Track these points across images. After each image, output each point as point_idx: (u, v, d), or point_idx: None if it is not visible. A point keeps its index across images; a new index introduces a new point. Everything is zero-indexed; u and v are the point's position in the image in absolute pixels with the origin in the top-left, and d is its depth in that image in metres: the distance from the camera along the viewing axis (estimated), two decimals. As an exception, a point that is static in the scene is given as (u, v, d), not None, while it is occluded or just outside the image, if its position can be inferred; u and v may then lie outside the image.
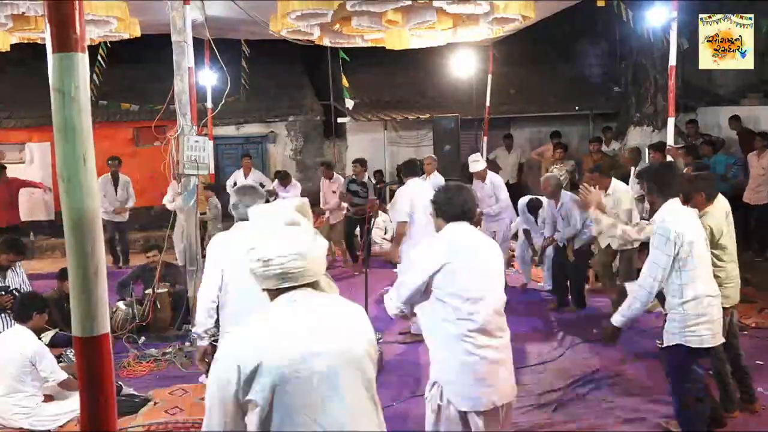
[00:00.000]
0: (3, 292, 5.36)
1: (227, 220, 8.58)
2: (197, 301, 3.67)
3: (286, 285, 1.84)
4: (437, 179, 7.81)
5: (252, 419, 1.76)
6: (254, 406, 1.73)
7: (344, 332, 1.86)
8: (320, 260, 1.90)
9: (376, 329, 5.85)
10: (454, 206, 2.96)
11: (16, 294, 5.30)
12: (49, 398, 4.53)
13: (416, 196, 5.95)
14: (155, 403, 4.73)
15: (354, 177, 8.92)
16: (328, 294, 1.92)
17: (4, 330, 4.99)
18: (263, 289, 1.92)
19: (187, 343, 5.87)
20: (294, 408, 1.73)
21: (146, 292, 6.45)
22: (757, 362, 5.21)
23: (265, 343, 1.75)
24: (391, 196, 8.79)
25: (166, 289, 6.44)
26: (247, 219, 3.55)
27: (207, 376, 3.58)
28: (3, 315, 5.28)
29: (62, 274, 6.08)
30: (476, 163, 7.64)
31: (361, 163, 8.82)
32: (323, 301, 1.89)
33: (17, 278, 5.63)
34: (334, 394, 1.78)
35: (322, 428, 1.75)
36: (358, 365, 1.85)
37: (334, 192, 9.07)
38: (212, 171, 8.42)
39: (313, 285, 1.88)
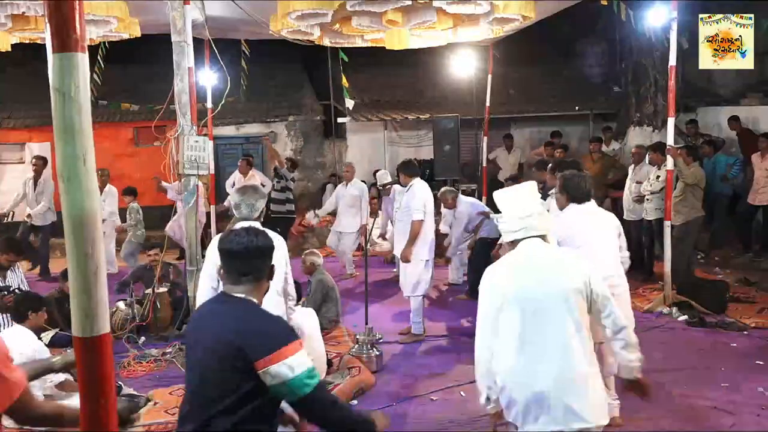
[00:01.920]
0: (4, 292, 5.36)
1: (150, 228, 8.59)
2: (196, 299, 3.69)
3: (523, 236, 2.72)
4: (359, 185, 8.70)
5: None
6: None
7: (560, 271, 2.68)
8: (546, 221, 2.78)
9: (376, 329, 5.85)
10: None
11: (15, 293, 5.30)
12: (49, 398, 4.53)
13: (427, 196, 6.06)
14: (155, 403, 4.73)
15: (281, 172, 9.24)
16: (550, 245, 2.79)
17: (3, 330, 4.99)
18: (509, 242, 2.77)
19: (187, 343, 5.88)
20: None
21: (146, 292, 6.46)
22: (757, 362, 5.22)
23: (511, 274, 2.67)
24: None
25: (166, 289, 6.44)
26: (248, 219, 3.59)
27: None
28: (3, 315, 5.28)
29: (64, 274, 6.09)
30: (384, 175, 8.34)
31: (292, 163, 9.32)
32: (548, 249, 2.76)
33: (16, 278, 5.64)
34: (548, 320, 2.60)
35: (532, 343, 2.58)
36: (567, 298, 2.61)
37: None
38: (212, 171, 8.40)
39: (543, 237, 2.75)
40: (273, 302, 3.63)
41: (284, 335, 2.14)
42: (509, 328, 2.64)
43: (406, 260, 5.92)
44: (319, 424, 2.22)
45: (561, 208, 3.97)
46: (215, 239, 3.75)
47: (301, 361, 2.08)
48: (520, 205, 2.76)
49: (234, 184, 9.88)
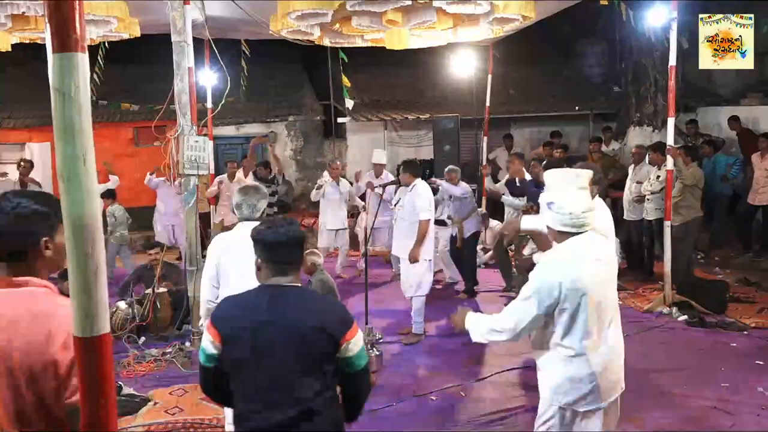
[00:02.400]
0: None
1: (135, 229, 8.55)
2: (200, 299, 3.71)
3: (578, 230, 2.73)
4: (345, 184, 8.73)
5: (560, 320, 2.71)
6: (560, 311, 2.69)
7: (610, 263, 2.86)
8: (594, 215, 2.80)
9: (376, 329, 5.86)
10: None
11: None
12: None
13: (431, 195, 6.13)
14: (155, 403, 4.73)
15: (260, 174, 9.11)
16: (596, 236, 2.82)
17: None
18: (559, 231, 2.77)
19: (187, 343, 5.87)
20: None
21: (146, 292, 6.46)
22: (757, 362, 5.22)
23: (569, 267, 2.69)
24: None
25: (166, 289, 6.44)
26: (251, 219, 3.59)
27: None
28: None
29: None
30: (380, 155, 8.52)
31: (265, 166, 9.15)
32: (597, 241, 2.81)
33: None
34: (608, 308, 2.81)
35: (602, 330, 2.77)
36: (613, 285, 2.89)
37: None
38: (212, 171, 8.40)
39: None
40: None
41: (349, 314, 2.34)
42: (588, 320, 2.72)
43: (415, 260, 5.92)
44: (355, 394, 2.35)
45: None
46: (216, 239, 3.76)
47: (360, 336, 2.30)
48: (583, 199, 2.77)
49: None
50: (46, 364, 1.69)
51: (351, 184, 9.08)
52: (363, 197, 8.90)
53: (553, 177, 2.90)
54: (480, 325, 2.95)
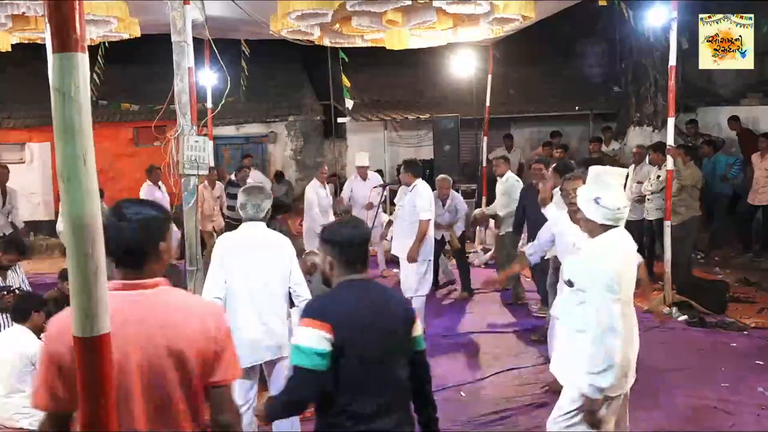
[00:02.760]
0: (4, 292, 5.36)
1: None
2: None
3: (616, 224, 2.94)
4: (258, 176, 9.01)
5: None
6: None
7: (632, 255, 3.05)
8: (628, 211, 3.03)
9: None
10: None
11: (16, 293, 5.29)
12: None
13: (432, 195, 6.19)
14: (155, 403, 4.73)
15: (235, 180, 8.93)
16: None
17: (4, 330, 4.99)
18: (600, 225, 2.94)
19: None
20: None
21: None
22: (757, 362, 5.22)
23: (612, 257, 2.91)
24: (392, 196, 8.82)
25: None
26: (256, 219, 3.60)
27: None
28: (3, 315, 5.28)
29: (63, 275, 6.08)
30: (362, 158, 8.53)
31: (246, 166, 9.15)
32: (625, 235, 3.03)
33: (17, 278, 5.63)
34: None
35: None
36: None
37: (218, 197, 9.11)
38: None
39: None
40: (279, 304, 3.63)
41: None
42: (622, 308, 2.91)
43: (413, 260, 5.93)
44: (425, 372, 2.47)
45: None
46: (220, 239, 3.73)
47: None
48: (624, 196, 3.03)
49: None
50: (209, 351, 1.85)
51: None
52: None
53: (598, 173, 3.02)
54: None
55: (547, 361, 5.39)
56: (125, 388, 1.75)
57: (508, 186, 7.34)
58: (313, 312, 2.28)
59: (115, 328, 1.63)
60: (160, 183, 8.91)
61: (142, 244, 1.87)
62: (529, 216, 6.21)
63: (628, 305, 2.98)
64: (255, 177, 9.84)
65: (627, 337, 2.91)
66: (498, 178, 7.63)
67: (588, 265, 2.96)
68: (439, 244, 7.33)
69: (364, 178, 8.59)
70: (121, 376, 1.73)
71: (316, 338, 2.19)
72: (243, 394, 3.58)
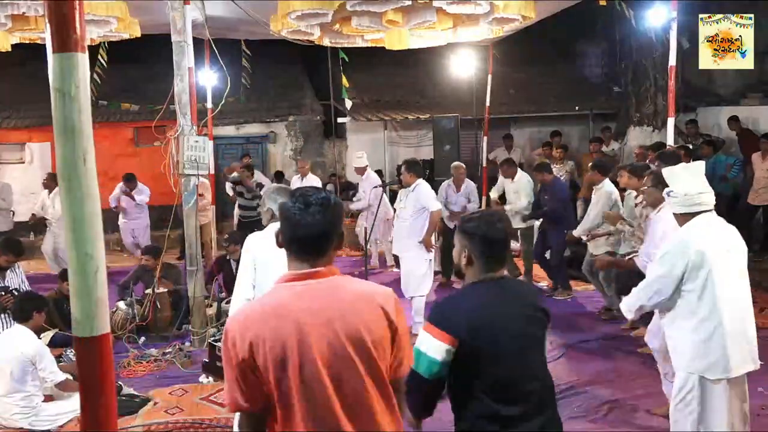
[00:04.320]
0: (3, 293, 5.36)
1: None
2: (232, 299, 3.61)
3: (699, 210, 3.14)
4: (314, 180, 9.26)
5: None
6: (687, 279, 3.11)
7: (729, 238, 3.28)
8: (711, 197, 3.19)
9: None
10: None
11: (16, 294, 5.30)
12: (49, 398, 4.53)
13: (432, 191, 6.32)
14: (155, 403, 4.73)
15: (238, 179, 9.05)
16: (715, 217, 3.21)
17: (3, 330, 4.99)
18: (681, 215, 3.19)
19: (187, 343, 5.88)
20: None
21: (146, 292, 6.46)
22: (757, 362, 5.21)
23: (693, 242, 3.09)
24: (392, 196, 8.83)
25: (166, 289, 6.44)
26: (274, 220, 3.57)
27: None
28: (3, 315, 5.28)
29: (62, 275, 6.08)
30: (360, 159, 8.69)
31: (248, 168, 9.25)
32: (716, 220, 3.22)
33: (16, 278, 5.64)
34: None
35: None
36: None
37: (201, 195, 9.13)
38: (212, 171, 8.41)
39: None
40: None
41: None
42: (715, 290, 3.13)
43: (429, 246, 6.09)
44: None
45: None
46: (249, 239, 3.65)
47: None
48: (696, 183, 3.17)
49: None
50: (388, 337, 1.85)
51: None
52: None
53: (671, 170, 3.32)
54: (627, 302, 3.37)
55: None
56: (318, 386, 1.75)
57: (521, 185, 7.70)
58: (437, 318, 2.20)
59: (294, 321, 1.74)
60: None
61: (328, 230, 1.85)
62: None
63: (723, 288, 3.11)
64: (255, 177, 9.82)
65: (727, 320, 3.07)
66: (508, 180, 7.89)
67: (664, 250, 3.23)
68: (452, 232, 7.39)
69: (361, 175, 8.84)
70: (310, 373, 1.74)
71: (434, 347, 2.14)
72: None
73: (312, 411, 1.74)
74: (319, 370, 1.74)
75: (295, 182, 9.38)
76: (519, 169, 7.99)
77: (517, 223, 7.55)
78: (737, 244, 3.29)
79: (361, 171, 8.79)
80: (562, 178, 8.96)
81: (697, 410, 3.12)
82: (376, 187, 8.20)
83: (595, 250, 6.39)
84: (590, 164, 7.04)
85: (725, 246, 3.19)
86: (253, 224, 9.05)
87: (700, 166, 3.31)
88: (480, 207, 8.63)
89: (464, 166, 8.13)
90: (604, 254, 6.02)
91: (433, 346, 2.14)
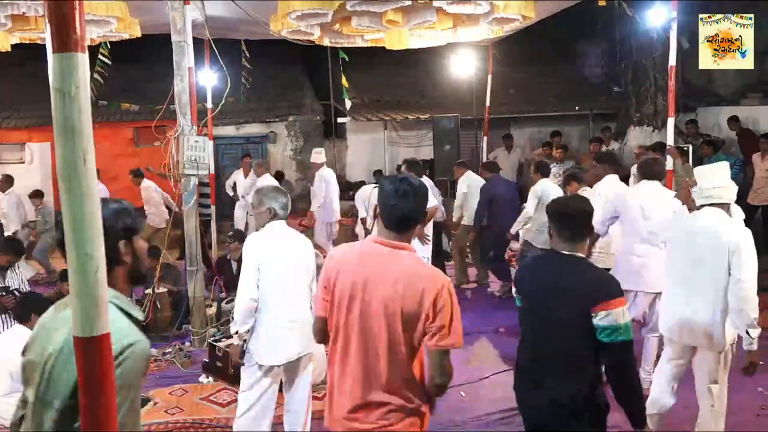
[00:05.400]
0: (3, 293, 5.36)
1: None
2: (237, 300, 3.60)
3: (713, 202, 3.47)
4: (269, 179, 8.99)
5: None
6: None
7: (712, 234, 3.43)
8: (729, 191, 3.51)
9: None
10: None
11: (17, 294, 5.30)
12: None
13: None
14: (155, 403, 4.73)
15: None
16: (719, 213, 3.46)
17: (4, 330, 4.99)
18: (700, 206, 3.51)
19: (187, 343, 5.88)
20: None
21: (146, 292, 6.46)
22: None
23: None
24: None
25: (166, 289, 6.44)
26: (283, 218, 3.59)
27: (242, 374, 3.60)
28: (3, 315, 5.28)
29: (62, 275, 6.08)
30: (318, 155, 8.82)
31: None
32: (715, 216, 3.46)
33: (17, 279, 5.64)
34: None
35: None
36: (714, 253, 3.40)
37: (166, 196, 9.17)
38: (212, 171, 8.40)
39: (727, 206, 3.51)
40: (306, 300, 3.63)
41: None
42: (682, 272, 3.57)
43: (421, 237, 6.23)
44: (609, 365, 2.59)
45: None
46: (249, 240, 3.66)
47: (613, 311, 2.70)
48: (714, 177, 3.50)
49: (234, 185, 9.87)
50: (419, 314, 2.23)
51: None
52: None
53: (701, 169, 3.67)
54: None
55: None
56: (371, 324, 2.29)
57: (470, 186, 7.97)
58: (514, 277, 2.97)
59: (364, 272, 2.31)
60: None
61: (412, 214, 2.34)
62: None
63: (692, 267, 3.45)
64: (254, 177, 9.82)
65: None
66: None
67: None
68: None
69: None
70: (361, 313, 2.30)
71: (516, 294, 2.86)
72: (256, 390, 3.58)
73: (347, 340, 2.34)
74: (358, 316, 2.31)
75: (243, 182, 9.35)
76: (468, 171, 8.16)
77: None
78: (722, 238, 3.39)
79: (317, 167, 8.85)
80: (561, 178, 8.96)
81: None
82: (376, 187, 8.23)
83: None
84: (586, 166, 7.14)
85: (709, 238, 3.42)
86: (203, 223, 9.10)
87: (722, 164, 3.64)
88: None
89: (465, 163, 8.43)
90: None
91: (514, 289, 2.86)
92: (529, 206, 6.69)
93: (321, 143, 13.41)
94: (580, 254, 2.67)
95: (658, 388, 3.79)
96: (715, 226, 3.40)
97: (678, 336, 3.57)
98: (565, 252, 2.65)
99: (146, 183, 9.08)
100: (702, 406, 3.61)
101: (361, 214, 7.49)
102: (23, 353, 1.82)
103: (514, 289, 2.86)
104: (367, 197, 8.11)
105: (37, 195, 9.00)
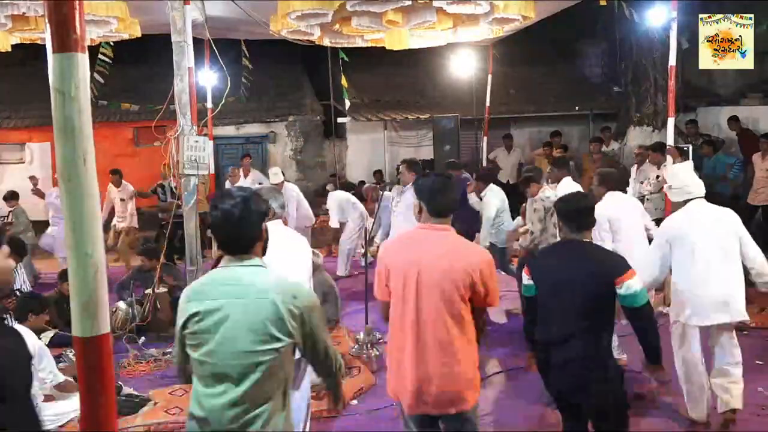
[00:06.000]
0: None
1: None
2: None
3: (691, 197, 4.03)
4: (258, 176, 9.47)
5: None
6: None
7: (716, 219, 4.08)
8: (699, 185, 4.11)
9: (376, 330, 5.84)
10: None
11: (18, 295, 5.30)
12: (49, 398, 4.52)
13: None
14: (155, 403, 4.73)
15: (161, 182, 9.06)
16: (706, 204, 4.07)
17: (4, 330, 4.99)
18: (674, 202, 4.08)
19: (187, 343, 5.86)
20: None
21: (146, 292, 6.45)
22: (757, 362, 5.22)
23: (678, 223, 4.05)
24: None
25: (166, 289, 6.44)
26: (280, 217, 3.59)
27: None
28: (4, 316, 5.28)
29: (62, 275, 6.08)
30: (275, 176, 8.52)
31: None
32: (708, 206, 4.10)
33: (18, 279, 5.64)
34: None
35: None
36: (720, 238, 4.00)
37: (123, 200, 9.17)
38: (212, 171, 8.41)
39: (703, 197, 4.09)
40: None
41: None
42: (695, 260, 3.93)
43: None
44: (639, 326, 3.09)
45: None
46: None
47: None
48: (684, 176, 4.08)
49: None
50: (470, 282, 2.70)
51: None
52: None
53: (672, 171, 4.37)
54: None
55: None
56: (433, 298, 2.70)
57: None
58: (530, 263, 3.30)
59: (417, 254, 2.76)
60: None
61: (454, 204, 2.91)
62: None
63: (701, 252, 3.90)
64: (254, 177, 9.83)
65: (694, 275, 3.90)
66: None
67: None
68: None
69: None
70: (412, 289, 2.73)
71: (527, 278, 3.25)
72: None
73: (409, 316, 2.75)
74: (422, 293, 2.71)
75: (243, 183, 9.36)
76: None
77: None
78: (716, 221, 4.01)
79: (280, 186, 8.50)
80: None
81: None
82: (375, 187, 8.24)
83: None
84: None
85: (708, 229, 3.96)
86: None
87: (688, 165, 4.15)
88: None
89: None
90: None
91: (525, 278, 3.24)
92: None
93: (321, 143, 13.43)
94: (588, 240, 3.19)
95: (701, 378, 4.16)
96: (720, 216, 4.02)
97: (711, 319, 3.93)
98: (577, 239, 3.13)
99: (125, 183, 9.17)
100: (730, 372, 4.11)
101: (333, 221, 7.55)
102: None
103: (527, 279, 3.22)
104: (343, 202, 8.20)
105: (12, 197, 9.01)
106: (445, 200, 2.85)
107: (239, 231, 2.17)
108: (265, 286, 2.11)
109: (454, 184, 2.91)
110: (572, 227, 3.15)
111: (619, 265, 3.01)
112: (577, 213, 3.17)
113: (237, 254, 2.18)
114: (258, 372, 2.04)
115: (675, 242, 3.96)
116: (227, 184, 9.86)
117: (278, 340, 2.05)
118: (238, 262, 2.17)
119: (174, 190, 8.99)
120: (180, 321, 2.18)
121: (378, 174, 12.02)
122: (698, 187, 4.07)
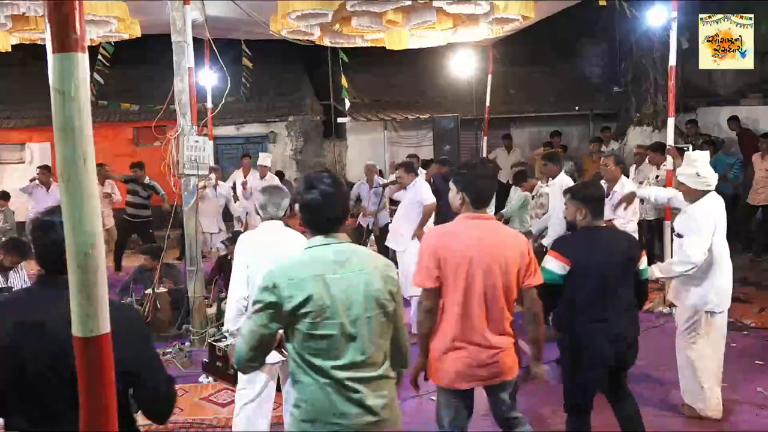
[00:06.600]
0: (5, 293, 5.36)
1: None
2: (228, 299, 3.60)
3: (707, 189, 4.08)
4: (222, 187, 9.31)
5: None
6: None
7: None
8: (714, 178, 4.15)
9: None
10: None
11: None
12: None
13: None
14: (155, 403, 4.73)
15: (134, 178, 9.12)
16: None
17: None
18: (694, 190, 4.09)
19: (186, 343, 5.87)
20: None
21: (146, 292, 6.46)
22: (757, 362, 5.22)
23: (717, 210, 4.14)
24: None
25: (166, 289, 6.44)
26: (275, 218, 3.60)
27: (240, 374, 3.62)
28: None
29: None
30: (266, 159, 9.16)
31: (140, 167, 9.25)
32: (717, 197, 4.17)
33: (19, 279, 5.63)
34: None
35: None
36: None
37: (108, 195, 9.31)
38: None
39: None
40: None
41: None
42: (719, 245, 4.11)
43: (420, 237, 6.14)
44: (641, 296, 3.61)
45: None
46: (241, 239, 3.69)
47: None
48: (709, 168, 4.14)
49: (234, 185, 9.86)
50: (520, 263, 2.99)
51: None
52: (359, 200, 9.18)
53: (691, 157, 4.29)
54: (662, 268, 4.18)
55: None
56: (477, 286, 2.93)
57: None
58: (560, 247, 3.39)
59: (467, 243, 2.96)
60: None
61: (493, 191, 3.25)
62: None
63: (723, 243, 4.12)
64: (255, 176, 9.81)
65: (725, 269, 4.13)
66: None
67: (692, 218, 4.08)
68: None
69: (263, 177, 9.00)
70: (472, 277, 2.92)
71: (555, 265, 3.33)
72: (253, 387, 3.58)
73: (469, 300, 2.95)
74: (479, 277, 2.93)
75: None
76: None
77: None
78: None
79: (264, 170, 9.08)
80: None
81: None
82: (376, 188, 8.26)
83: None
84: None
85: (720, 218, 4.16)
86: (144, 225, 9.11)
87: (705, 154, 4.33)
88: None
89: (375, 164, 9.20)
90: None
91: (555, 264, 3.33)
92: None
93: (321, 143, 13.43)
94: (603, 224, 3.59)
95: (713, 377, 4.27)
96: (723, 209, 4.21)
97: (725, 305, 4.21)
98: (598, 225, 3.48)
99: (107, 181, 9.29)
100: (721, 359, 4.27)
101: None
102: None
103: (562, 266, 3.34)
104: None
105: (3, 197, 9.01)
106: (486, 191, 3.12)
107: (336, 210, 2.31)
108: (371, 259, 2.34)
109: (495, 178, 3.31)
110: (595, 214, 3.47)
111: (637, 245, 3.57)
112: (599, 200, 3.52)
113: (331, 233, 2.31)
114: (376, 334, 2.26)
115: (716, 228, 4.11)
116: (237, 176, 9.81)
117: (389, 305, 2.30)
118: (335, 239, 2.31)
119: (154, 187, 9.06)
120: (290, 305, 2.24)
121: (378, 174, 12.01)
122: (715, 179, 4.18)
